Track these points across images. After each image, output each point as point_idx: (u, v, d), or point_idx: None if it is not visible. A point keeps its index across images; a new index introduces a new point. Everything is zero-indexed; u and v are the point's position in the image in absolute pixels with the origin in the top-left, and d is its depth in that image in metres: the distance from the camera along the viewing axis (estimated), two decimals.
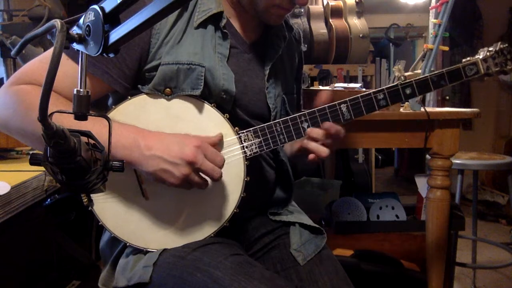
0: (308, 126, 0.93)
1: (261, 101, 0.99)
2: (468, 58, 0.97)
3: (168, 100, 0.88)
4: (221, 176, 0.83)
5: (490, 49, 0.98)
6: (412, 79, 0.94)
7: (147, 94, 0.88)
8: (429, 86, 0.94)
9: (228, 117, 0.89)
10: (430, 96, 3.81)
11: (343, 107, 0.93)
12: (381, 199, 1.79)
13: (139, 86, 0.88)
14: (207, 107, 0.89)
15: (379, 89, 0.93)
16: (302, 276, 0.95)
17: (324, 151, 0.92)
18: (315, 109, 0.93)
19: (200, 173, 0.81)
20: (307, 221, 1.06)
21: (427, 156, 1.69)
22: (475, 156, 2.42)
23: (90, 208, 0.86)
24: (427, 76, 0.93)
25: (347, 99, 0.93)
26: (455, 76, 0.96)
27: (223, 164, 0.83)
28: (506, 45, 0.98)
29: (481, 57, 0.97)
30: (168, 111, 0.88)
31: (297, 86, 1.15)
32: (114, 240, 0.93)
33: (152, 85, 0.87)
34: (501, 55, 0.97)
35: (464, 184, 2.57)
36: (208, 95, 0.89)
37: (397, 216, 1.73)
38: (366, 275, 1.56)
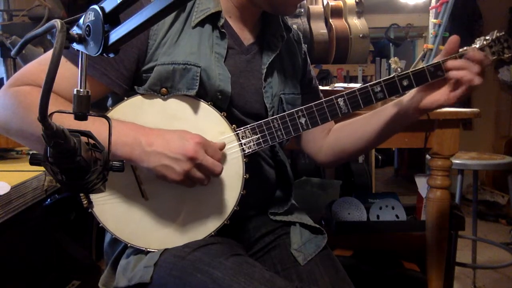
0: (306, 121, 0.92)
1: (258, 101, 0.99)
2: (465, 48, 0.95)
3: (164, 100, 0.88)
4: (222, 171, 0.83)
5: (487, 37, 0.96)
6: (409, 71, 0.93)
7: (143, 94, 0.88)
8: (426, 77, 0.92)
9: (225, 115, 0.89)
10: None
11: (340, 101, 0.93)
12: (381, 199, 1.79)
13: (135, 86, 0.89)
14: (204, 105, 0.89)
15: (376, 81, 0.93)
16: (303, 276, 0.95)
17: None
18: (312, 104, 0.93)
19: (202, 169, 0.82)
20: (308, 221, 1.06)
21: (427, 156, 1.69)
22: (475, 156, 2.42)
23: (90, 210, 0.86)
24: (423, 67, 0.92)
25: (344, 92, 0.93)
26: None
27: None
28: (503, 33, 0.96)
29: (477, 46, 0.95)
30: (164, 111, 0.88)
31: (306, 85, 1.14)
32: (115, 241, 0.93)
33: (148, 85, 0.87)
34: (498, 43, 0.95)
35: (464, 184, 2.57)
36: (204, 95, 0.89)
37: (397, 216, 1.73)
38: (366, 275, 1.56)
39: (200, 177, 0.82)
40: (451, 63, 0.89)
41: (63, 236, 1.48)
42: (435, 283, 1.53)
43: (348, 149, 1.08)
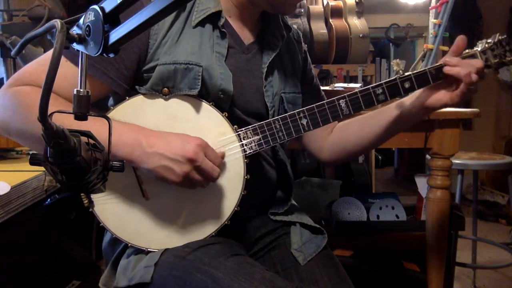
0: (307, 123, 0.92)
1: (259, 100, 0.99)
2: (467, 50, 0.94)
3: (166, 100, 0.88)
4: (218, 176, 0.83)
5: (489, 40, 0.95)
6: (410, 73, 0.93)
7: (144, 94, 0.88)
8: (427, 79, 0.92)
9: (226, 115, 0.89)
10: None
11: (342, 103, 0.93)
12: (381, 199, 1.78)
13: (137, 86, 0.89)
14: (205, 105, 0.89)
15: (377, 83, 0.93)
16: (303, 276, 0.95)
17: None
18: (314, 105, 0.93)
19: (201, 172, 0.82)
20: (308, 221, 1.06)
21: (427, 156, 1.68)
22: (475, 156, 2.42)
23: (90, 210, 0.86)
24: (425, 69, 0.92)
25: (345, 94, 0.93)
26: None
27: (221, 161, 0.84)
28: (505, 36, 0.96)
29: (479, 49, 0.94)
30: (166, 111, 0.88)
31: (307, 84, 1.14)
32: (115, 241, 0.93)
33: (149, 85, 0.87)
34: (499, 46, 0.95)
35: (464, 184, 2.57)
36: (206, 94, 0.89)
37: (397, 216, 1.73)
38: (366, 275, 1.56)
39: (199, 179, 0.82)
40: (448, 61, 0.90)
41: (63, 236, 1.48)
42: (435, 283, 1.53)
43: (352, 147, 1.09)
